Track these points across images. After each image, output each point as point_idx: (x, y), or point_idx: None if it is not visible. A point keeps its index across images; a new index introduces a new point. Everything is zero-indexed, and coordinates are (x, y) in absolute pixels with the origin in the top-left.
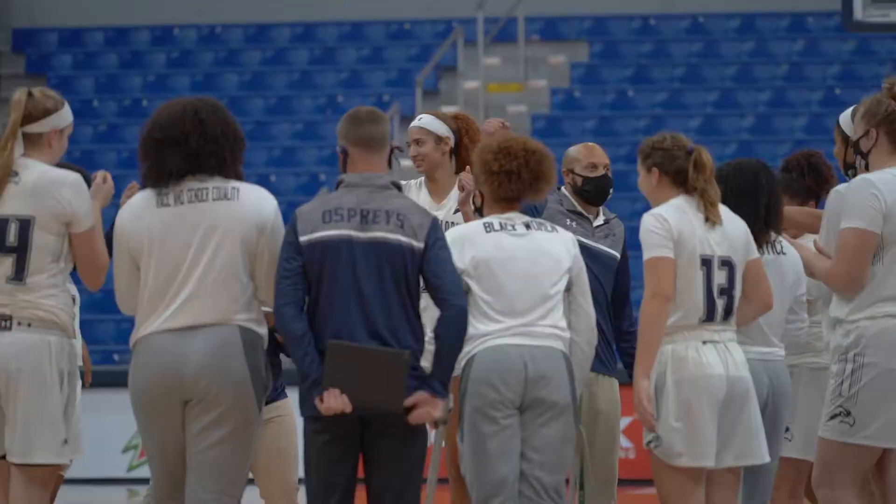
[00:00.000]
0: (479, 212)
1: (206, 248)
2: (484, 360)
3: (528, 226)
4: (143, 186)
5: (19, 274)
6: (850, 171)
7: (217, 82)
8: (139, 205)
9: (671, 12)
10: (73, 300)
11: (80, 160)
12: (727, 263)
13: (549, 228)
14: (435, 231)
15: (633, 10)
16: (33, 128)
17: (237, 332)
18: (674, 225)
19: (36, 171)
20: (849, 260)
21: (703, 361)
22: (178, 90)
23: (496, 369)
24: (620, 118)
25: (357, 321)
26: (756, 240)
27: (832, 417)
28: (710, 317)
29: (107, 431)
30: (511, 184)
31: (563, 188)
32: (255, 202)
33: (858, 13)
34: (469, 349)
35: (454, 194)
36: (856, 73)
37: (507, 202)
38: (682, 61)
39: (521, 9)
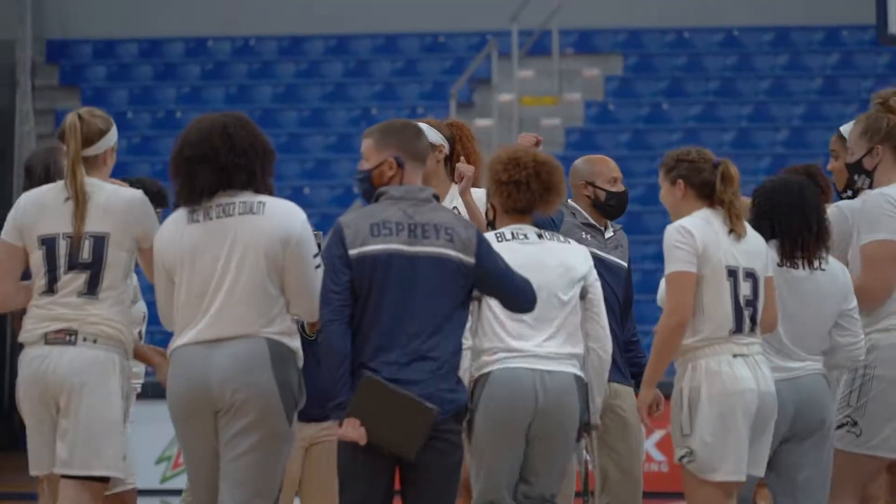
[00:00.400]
0: (492, 225)
1: (232, 263)
2: (499, 380)
3: (540, 236)
4: (177, 206)
5: (93, 289)
6: (848, 190)
7: (251, 94)
8: (173, 223)
9: (705, 25)
10: (143, 317)
11: (113, 173)
12: (751, 275)
13: (562, 240)
14: (483, 244)
15: (667, 23)
16: (91, 151)
17: (265, 344)
18: (699, 238)
19: (107, 191)
20: (879, 271)
21: (736, 376)
22: (212, 102)
23: (509, 396)
24: (654, 131)
25: (400, 338)
26: (808, 255)
27: (839, 427)
28: (738, 328)
29: (139, 442)
30: (520, 194)
31: (570, 201)
32: (280, 216)
33: (893, 26)
34: (484, 365)
35: (448, 202)
36: (890, 86)
37: (518, 213)
38: (717, 75)
39: (556, 21)
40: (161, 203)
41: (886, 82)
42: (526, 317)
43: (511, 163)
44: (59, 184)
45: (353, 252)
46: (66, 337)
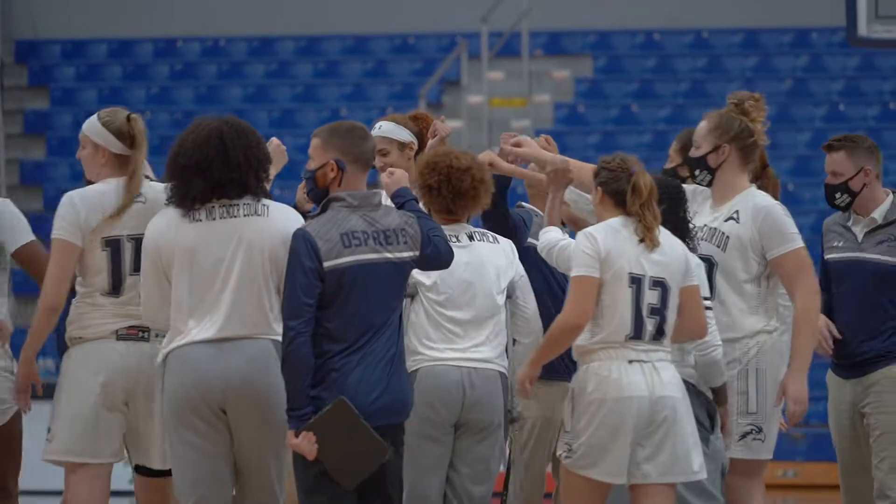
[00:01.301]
0: None
1: (237, 262)
2: (426, 378)
3: (471, 237)
4: (169, 205)
5: None
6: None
7: (221, 95)
8: (167, 220)
9: (675, 27)
10: None
11: (82, 173)
12: (660, 284)
13: (491, 239)
14: (421, 231)
15: (637, 25)
16: (126, 151)
17: (271, 345)
18: (602, 244)
19: (157, 190)
20: (813, 275)
21: (624, 382)
22: (182, 102)
23: (436, 392)
24: (624, 133)
25: (386, 342)
26: None
27: (744, 436)
28: (637, 335)
29: None
30: (433, 198)
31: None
32: (283, 219)
33: (863, 29)
34: (413, 363)
35: None
36: (860, 88)
37: (445, 214)
38: (686, 76)
39: (526, 23)
40: None
41: (855, 85)
42: (457, 318)
43: (427, 168)
44: (114, 184)
45: (327, 265)
46: (138, 333)
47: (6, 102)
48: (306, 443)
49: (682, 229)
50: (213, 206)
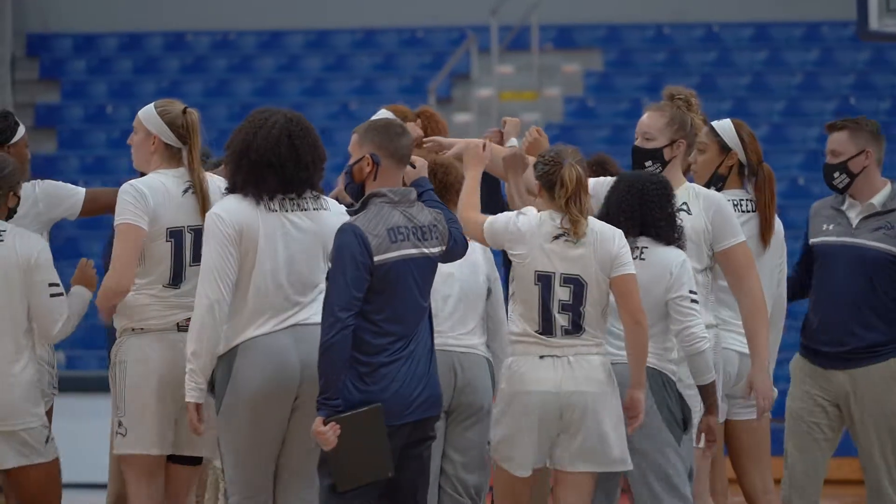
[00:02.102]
0: None
1: (311, 253)
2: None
3: None
4: (233, 192)
5: None
6: (719, 183)
7: (230, 89)
8: (243, 206)
9: (685, 21)
10: None
11: (92, 166)
12: (573, 281)
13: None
14: (448, 226)
15: (647, 18)
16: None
17: None
18: (522, 225)
19: (211, 182)
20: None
21: (531, 378)
22: (192, 96)
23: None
24: (634, 127)
25: (424, 336)
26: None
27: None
28: (547, 331)
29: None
30: None
31: None
32: (338, 213)
33: (873, 23)
34: None
35: None
36: (870, 82)
37: None
38: (696, 70)
39: (535, 16)
40: None
41: (866, 79)
42: (440, 312)
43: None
44: (172, 174)
45: (377, 259)
46: None
47: (17, 96)
48: (332, 433)
49: (668, 225)
50: (284, 199)
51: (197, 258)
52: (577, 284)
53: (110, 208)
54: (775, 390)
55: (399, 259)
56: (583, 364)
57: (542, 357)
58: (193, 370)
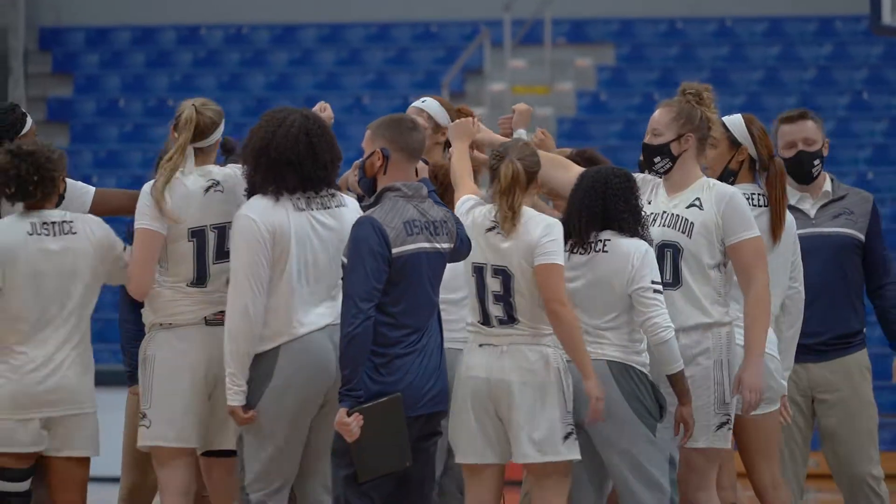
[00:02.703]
0: None
1: (336, 251)
2: None
3: None
4: (255, 192)
5: None
6: (730, 178)
7: (243, 83)
8: (273, 206)
9: (698, 16)
10: None
11: (105, 160)
12: (501, 273)
13: None
14: (458, 225)
15: (659, 13)
16: (206, 142)
17: None
18: (469, 219)
19: (235, 177)
20: (767, 265)
21: (467, 364)
22: (205, 90)
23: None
24: (646, 121)
25: (435, 331)
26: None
27: (720, 427)
28: (485, 321)
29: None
30: None
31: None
32: (355, 209)
33: (886, 17)
34: None
35: None
36: (884, 77)
37: None
38: (709, 65)
39: (548, 11)
40: None
41: (879, 73)
42: (455, 299)
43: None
44: (194, 173)
45: (394, 251)
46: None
47: (30, 90)
48: (355, 424)
49: (632, 218)
50: (309, 198)
51: (220, 256)
52: (504, 275)
53: (120, 210)
54: (784, 384)
55: (414, 252)
56: (515, 354)
57: (480, 346)
58: (233, 374)
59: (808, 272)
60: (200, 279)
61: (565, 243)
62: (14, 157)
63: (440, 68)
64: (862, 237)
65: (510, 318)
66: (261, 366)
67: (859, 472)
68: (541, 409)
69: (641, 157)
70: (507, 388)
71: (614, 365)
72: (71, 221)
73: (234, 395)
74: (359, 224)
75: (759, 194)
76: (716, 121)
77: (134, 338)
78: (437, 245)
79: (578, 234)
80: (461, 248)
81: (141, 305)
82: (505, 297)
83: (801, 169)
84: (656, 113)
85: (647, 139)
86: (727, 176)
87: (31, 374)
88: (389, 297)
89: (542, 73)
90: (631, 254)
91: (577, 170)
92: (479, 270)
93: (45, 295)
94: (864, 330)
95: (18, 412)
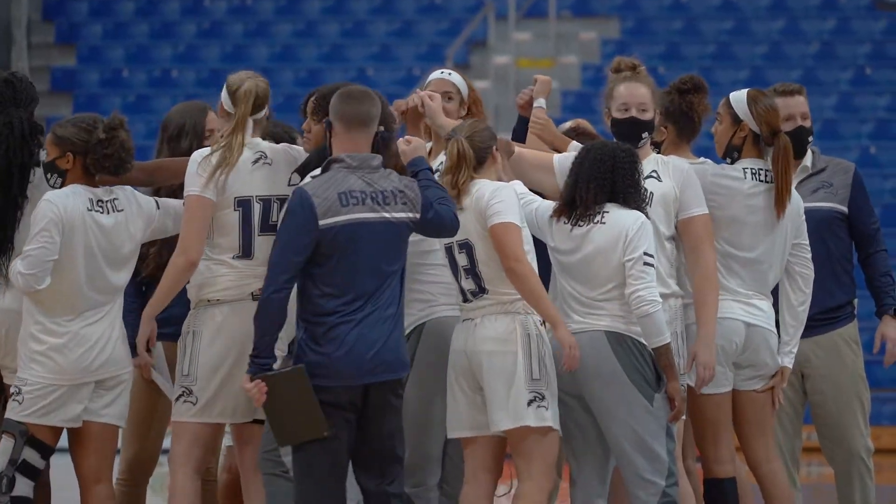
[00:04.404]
0: None
1: None
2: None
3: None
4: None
5: None
6: (734, 153)
7: (247, 54)
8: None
9: None
10: None
11: None
12: (465, 246)
13: None
14: (422, 195)
15: None
16: (260, 114)
17: None
18: None
19: (282, 151)
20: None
21: (454, 340)
22: (208, 61)
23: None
24: None
25: (386, 301)
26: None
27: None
28: (464, 297)
29: None
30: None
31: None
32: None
33: None
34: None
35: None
36: (886, 51)
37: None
38: (713, 39)
39: None
40: None
41: (882, 48)
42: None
43: None
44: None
45: (323, 223)
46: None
47: (33, 60)
48: (256, 390)
49: (636, 192)
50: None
51: (265, 228)
52: (468, 248)
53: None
54: (782, 361)
55: (349, 223)
56: (487, 324)
57: (463, 321)
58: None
59: None
60: (246, 251)
61: (568, 217)
62: (111, 131)
63: (444, 40)
64: (844, 208)
65: (480, 289)
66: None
67: (849, 447)
68: (507, 376)
69: (614, 131)
70: (479, 359)
71: (612, 335)
72: (116, 198)
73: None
74: (292, 195)
75: (764, 170)
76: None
77: (130, 310)
78: (387, 214)
79: (584, 206)
80: (434, 220)
81: (136, 277)
82: (472, 270)
83: (801, 144)
84: (635, 88)
85: (635, 114)
86: (731, 151)
87: (91, 342)
88: (322, 269)
89: (546, 45)
90: (628, 224)
91: (560, 171)
92: (448, 250)
93: (98, 268)
94: (855, 302)
95: (77, 377)
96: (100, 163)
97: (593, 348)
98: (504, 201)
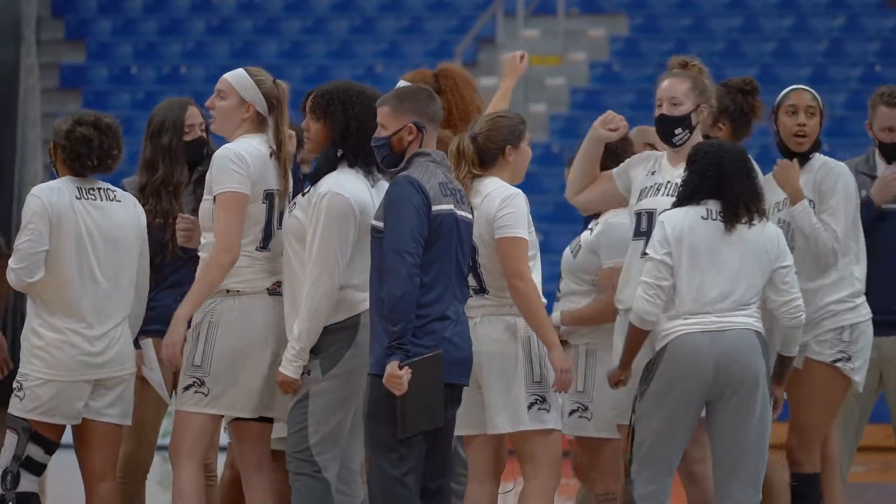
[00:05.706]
0: None
1: None
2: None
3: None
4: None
5: None
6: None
7: (256, 51)
8: (357, 182)
9: None
10: None
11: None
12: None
13: None
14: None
15: None
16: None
17: None
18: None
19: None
20: None
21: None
22: (217, 58)
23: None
24: None
25: (462, 301)
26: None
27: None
28: (468, 296)
29: None
30: None
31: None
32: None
33: None
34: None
35: None
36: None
37: None
38: (722, 36)
39: None
40: None
41: (892, 46)
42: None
43: None
44: (260, 139)
45: (434, 209)
46: (277, 287)
47: (42, 56)
48: (406, 377)
49: (754, 195)
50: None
51: (282, 222)
52: (472, 248)
53: None
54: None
55: (449, 213)
56: (486, 324)
57: (471, 318)
58: (304, 349)
59: (874, 246)
60: (266, 242)
61: (730, 221)
62: (96, 129)
63: (453, 38)
64: None
65: (482, 289)
66: (341, 333)
67: None
68: (507, 379)
69: (657, 130)
70: (478, 359)
71: (761, 336)
72: (111, 189)
73: (297, 369)
74: (396, 184)
75: None
76: (715, 93)
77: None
78: (463, 213)
79: (748, 212)
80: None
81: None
82: (475, 269)
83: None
84: (669, 83)
85: (665, 109)
86: (818, 146)
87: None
88: (425, 257)
89: (555, 43)
90: (776, 232)
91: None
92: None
93: (96, 256)
94: None
95: (74, 373)
96: (64, 156)
97: (748, 346)
98: (514, 212)
